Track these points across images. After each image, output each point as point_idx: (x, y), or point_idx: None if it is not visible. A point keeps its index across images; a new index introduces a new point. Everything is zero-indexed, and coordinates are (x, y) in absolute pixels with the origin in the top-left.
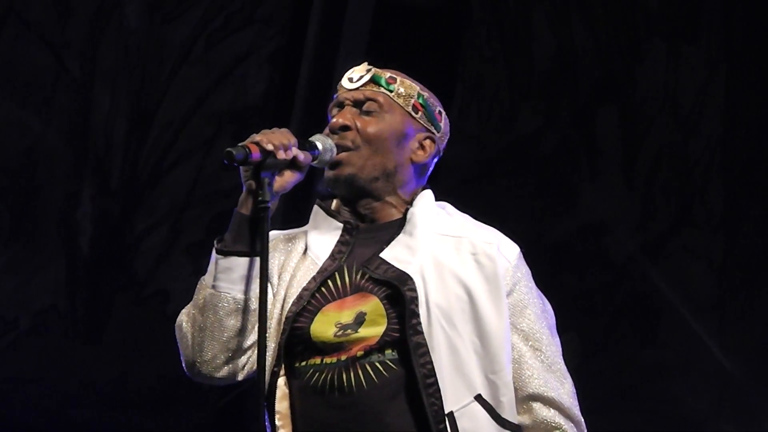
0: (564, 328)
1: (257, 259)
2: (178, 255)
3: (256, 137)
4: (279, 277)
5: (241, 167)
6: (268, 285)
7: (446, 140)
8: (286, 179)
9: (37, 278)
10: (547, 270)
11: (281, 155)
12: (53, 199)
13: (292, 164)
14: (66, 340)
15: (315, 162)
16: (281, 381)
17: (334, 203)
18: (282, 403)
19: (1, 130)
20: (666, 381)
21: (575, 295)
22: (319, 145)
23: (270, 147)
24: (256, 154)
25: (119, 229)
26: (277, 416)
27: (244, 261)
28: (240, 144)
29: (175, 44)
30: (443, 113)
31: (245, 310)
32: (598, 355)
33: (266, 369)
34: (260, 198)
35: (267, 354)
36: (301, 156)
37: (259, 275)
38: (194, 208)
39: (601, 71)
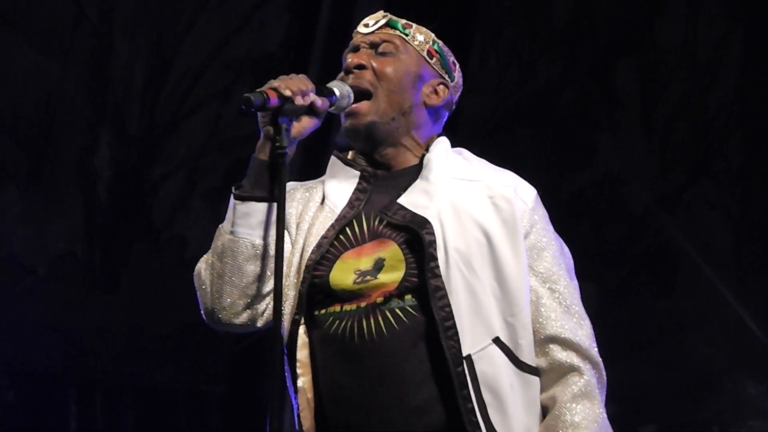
0: (581, 278)
1: (275, 205)
2: (196, 201)
3: (274, 83)
4: (297, 227)
5: (258, 113)
6: (286, 234)
7: (459, 93)
8: (304, 125)
9: (54, 225)
10: (564, 221)
11: (299, 101)
12: (71, 146)
13: (310, 110)
14: (83, 287)
15: (332, 108)
16: (302, 329)
17: (350, 154)
18: (302, 352)
19: (21, 76)
20: (683, 332)
21: (593, 246)
22: (337, 91)
23: (288, 93)
24: (274, 99)
25: (137, 176)
26: (298, 364)
27: (262, 206)
28: (258, 90)
29: None
30: (457, 65)
31: (264, 255)
32: (615, 305)
33: (287, 317)
34: (278, 143)
35: (287, 303)
36: (319, 102)
37: (276, 221)
38: (212, 154)
39: (621, 23)
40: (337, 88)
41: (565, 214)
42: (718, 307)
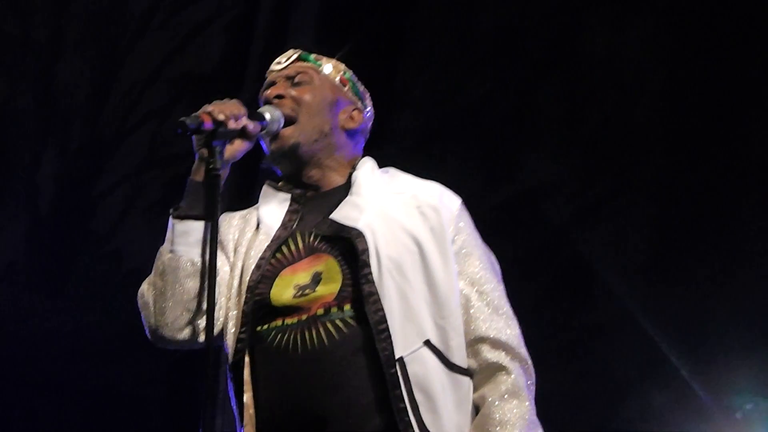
0: None
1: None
2: (136, 215)
3: (209, 107)
4: (235, 251)
5: (193, 136)
6: (225, 258)
7: (371, 121)
8: (236, 148)
9: (0, 235)
10: (487, 232)
11: (232, 125)
12: (16, 160)
13: (242, 133)
14: (28, 294)
15: (263, 132)
16: (246, 347)
17: (280, 183)
18: (246, 369)
19: None
20: (597, 342)
21: (514, 258)
22: (268, 116)
23: (221, 117)
24: (208, 123)
25: (80, 190)
26: (244, 384)
27: (199, 225)
28: (193, 114)
29: (136, 13)
30: (367, 93)
31: (203, 272)
32: (533, 316)
33: (230, 336)
34: (212, 165)
35: (230, 322)
36: (251, 125)
37: (210, 238)
38: (151, 170)
39: (545, 41)
40: (268, 112)
41: (488, 227)
42: (629, 320)
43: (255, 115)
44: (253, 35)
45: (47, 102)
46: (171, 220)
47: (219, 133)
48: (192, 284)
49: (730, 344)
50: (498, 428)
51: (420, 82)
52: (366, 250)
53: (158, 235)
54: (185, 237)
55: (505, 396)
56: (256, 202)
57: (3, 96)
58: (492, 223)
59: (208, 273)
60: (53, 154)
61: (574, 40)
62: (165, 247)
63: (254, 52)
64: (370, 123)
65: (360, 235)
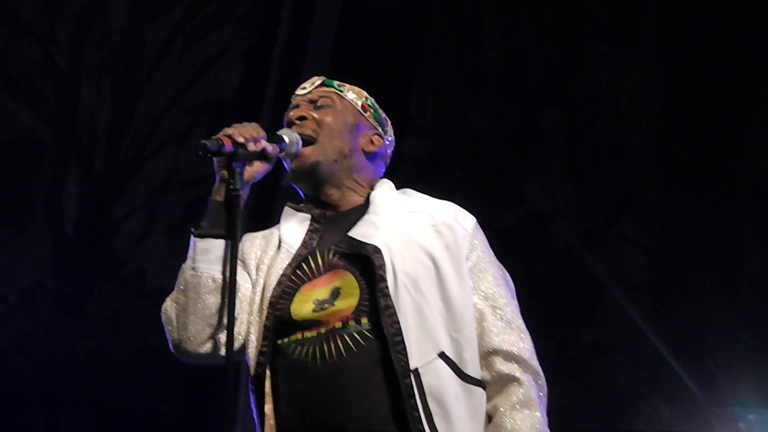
0: None
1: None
2: (156, 237)
3: (228, 130)
4: (257, 270)
5: (214, 158)
6: (247, 275)
7: (392, 147)
8: (256, 169)
9: (24, 257)
10: (495, 255)
11: (251, 147)
12: (40, 184)
13: (261, 155)
14: (51, 314)
15: (282, 153)
16: (267, 360)
17: (301, 204)
18: (267, 381)
19: None
20: (603, 359)
21: (521, 279)
22: (286, 138)
23: (241, 139)
24: (228, 146)
25: (101, 212)
26: (265, 396)
27: (220, 243)
28: (213, 137)
29: (156, 43)
30: (389, 121)
31: (224, 288)
32: (541, 333)
33: (253, 350)
34: (232, 186)
35: (252, 335)
36: (270, 148)
37: (230, 255)
38: (171, 193)
39: (548, 72)
40: (287, 135)
41: (495, 249)
42: (634, 335)
43: (274, 138)
44: (270, 63)
45: (70, 128)
46: (192, 239)
47: (239, 155)
48: (213, 300)
49: (732, 358)
50: (512, 426)
51: (428, 110)
52: (382, 266)
53: (178, 256)
54: (206, 254)
55: (517, 406)
56: (272, 221)
57: (28, 121)
58: (498, 246)
59: (229, 289)
60: (76, 178)
61: (575, 72)
62: (187, 265)
63: (271, 79)
64: (391, 149)
65: (377, 251)
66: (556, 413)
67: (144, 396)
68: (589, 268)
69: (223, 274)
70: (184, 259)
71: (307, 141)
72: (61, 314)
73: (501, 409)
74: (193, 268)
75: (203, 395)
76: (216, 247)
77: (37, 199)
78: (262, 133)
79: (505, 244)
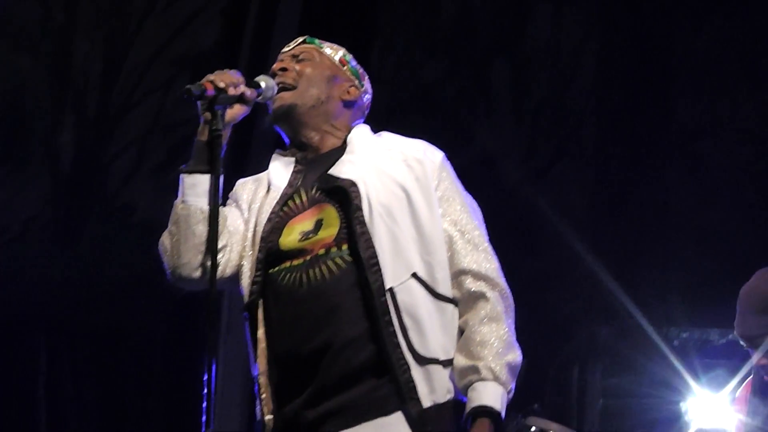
0: None
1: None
2: (143, 175)
3: (211, 76)
4: (249, 209)
5: (198, 102)
6: (240, 214)
7: (368, 97)
8: (236, 112)
9: (25, 192)
10: None
11: (231, 91)
12: (40, 127)
13: (240, 99)
14: (49, 244)
15: (260, 98)
16: (259, 289)
17: (286, 150)
18: (260, 309)
19: None
20: (546, 285)
21: None
22: (263, 84)
23: (222, 84)
24: (210, 90)
25: (94, 153)
26: (258, 322)
27: (205, 177)
28: (197, 83)
29: (142, 1)
30: (366, 77)
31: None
32: None
33: (246, 281)
34: (214, 127)
35: (245, 268)
36: (248, 92)
37: (212, 188)
38: (156, 136)
39: (496, 29)
40: (264, 81)
41: None
42: (574, 263)
43: (252, 83)
44: (245, 19)
45: (65, 77)
46: (181, 176)
47: (220, 98)
48: (202, 229)
49: (664, 282)
50: (478, 348)
51: (389, 63)
52: (358, 197)
53: (163, 192)
54: (194, 189)
55: (485, 320)
56: (249, 163)
57: (27, 72)
58: None
59: (210, 219)
60: (71, 122)
61: (520, 29)
62: (177, 200)
63: (246, 33)
64: (368, 100)
65: (353, 185)
66: None
67: (133, 318)
68: (533, 203)
69: (209, 205)
70: (175, 196)
71: (287, 88)
72: (58, 244)
73: (470, 323)
74: (183, 202)
75: (186, 317)
76: (202, 181)
77: (36, 141)
78: (241, 79)
79: None
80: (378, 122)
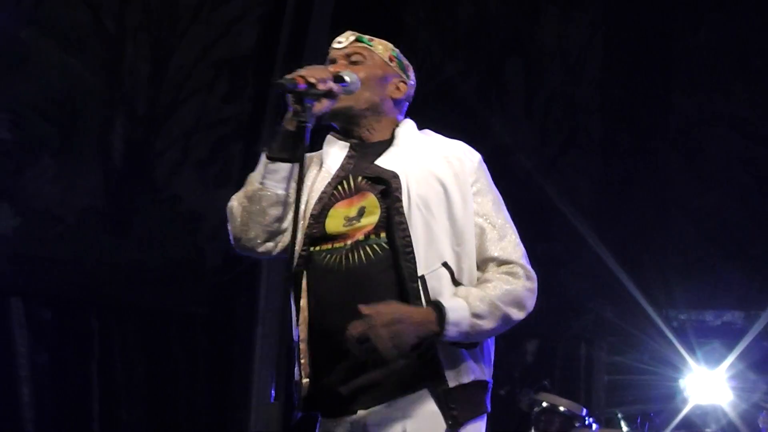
0: None
1: (296, 165)
2: (188, 168)
3: (302, 71)
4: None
5: (288, 94)
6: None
7: (414, 88)
8: (322, 105)
9: (79, 185)
10: None
11: (321, 86)
12: (93, 124)
13: (328, 93)
14: (101, 232)
15: (344, 92)
16: (304, 262)
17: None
18: (304, 280)
19: (52, 72)
20: (556, 269)
21: None
22: (347, 78)
23: (312, 80)
24: (302, 85)
25: (143, 148)
26: (301, 292)
27: (286, 166)
28: (288, 76)
29: (187, 8)
30: (411, 67)
31: (284, 203)
32: None
33: (295, 252)
34: (302, 119)
35: (296, 241)
36: (335, 87)
37: (298, 177)
38: (200, 133)
39: (509, 30)
40: (348, 76)
41: None
42: (582, 248)
43: (337, 78)
44: (281, 25)
45: (117, 78)
46: (263, 159)
47: (310, 93)
48: (274, 212)
49: (665, 267)
50: (481, 283)
51: (411, 62)
52: (399, 189)
53: (206, 184)
54: (274, 174)
55: (502, 274)
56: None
57: (81, 73)
58: None
59: (295, 206)
60: (122, 120)
61: (532, 30)
62: (255, 177)
63: (282, 39)
64: (413, 90)
65: (396, 176)
66: None
67: (177, 300)
68: (544, 192)
69: (285, 191)
70: (211, 182)
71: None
72: (110, 232)
73: (487, 274)
74: (262, 184)
75: (226, 299)
76: (283, 168)
77: (90, 137)
78: (329, 75)
79: None
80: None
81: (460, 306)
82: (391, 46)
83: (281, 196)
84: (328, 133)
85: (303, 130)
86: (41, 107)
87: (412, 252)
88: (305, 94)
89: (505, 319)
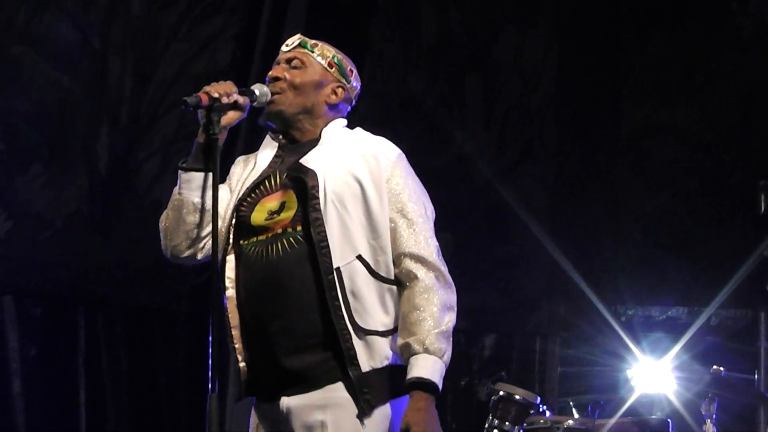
0: (442, 230)
1: (210, 174)
2: (168, 176)
3: (207, 88)
4: (236, 183)
5: (198, 110)
6: (229, 190)
7: (357, 93)
8: (231, 117)
9: (67, 191)
10: (428, 189)
11: (224, 100)
12: (79, 135)
13: (234, 106)
14: (88, 235)
15: (254, 103)
16: (231, 256)
17: (275, 136)
18: (231, 272)
19: (42, 86)
20: (512, 268)
21: (450, 207)
22: (257, 91)
23: (216, 94)
24: (205, 100)
25: (126, 157)
26: (227, 280)
27: (199, 175)
28: (194, 94)
29: (167, 26)
30: (354, 72)
31: (201, 210)
32: (465, 249)
33: (221, 246)
34: (210, 131)
35: (223, 234)
36: (240, 99)
37: (212, 184)
38: (179, 142)
39: (469, 47)
40: (257, 89)
41: (429, 185)
42: (537, 249)
43: (246, 92)
44: (255, 43)
45: (102, 91)
46: (179, 172)
47: (215, 106)
48: (192, 218)
49: (614, 266)
50: (411, 325)
51: (377, 77)
52: (315, 186)
53: None
54: (189, 184)
55: (417, 293)
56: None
57: (69, 87)
58: (431, 182)
59: (212, 211)
60: (107, 130)
61: (490, 47)
62: (175, 190)
63: (255, 55)
64: (355, 93)
65: (314, 174)
66: (476, 313)
67: (159, 298)
68: (502, 197)
69: (201, 198)
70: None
71: (278, 94)
72: (96, 235)
73: (406, 299)
74: (179, 194)
75: (207, 296)
76: (197, 178)
77: (77, 147)
78: (234, 89)
79: (436, 180)
80: (366, 128)
81: (433, 366)
82: (333, 51)
83: (197, 204)
84: (266, 134)
85: (213, 141)
86: (32, 119)
87: (327, 246)
88: (211, 108)
89: (452, 329)
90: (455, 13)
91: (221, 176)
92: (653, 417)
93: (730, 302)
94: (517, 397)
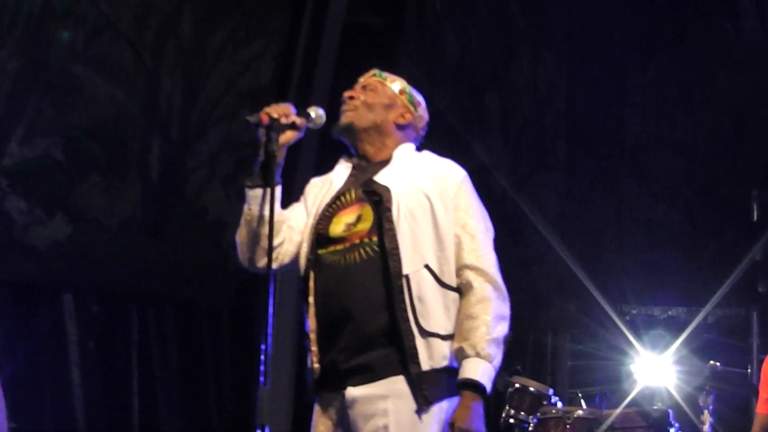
0: None
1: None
2: (215, 184)
3: (267, 109)
4: (314, 202)
5: (258, 129)
6: (304, 208)
7: (424, 125)
8: (288, 136)
9: (122, 197)
10: None
11: (283, 120)
12: (133, 147)
13: (292, 126)
14: (141, 238)
15: (310, 124)
16: (312, 269)
17: (348, 157)
18: (311, 281)
19: (100, 101)
20: (527, 269)
21: None
22: (312, 114)
23: (275, 115)
24: (265, 120)
25: (177, 166)
26: (309, 290)
27: (261, 191)
28: (255, 113)
29: (214, 47)
30: (422, 105)
31: (271, 222)
32: None
33: (303, 258)
34: (269, 149)
35: (304, 249)
36: (298, 120)
37: (270, 198)
38: (225, 153)
39: (488, 68)
40: (313, 111)
41: None
42: (549, 252)
43: (302, 113)
44: (293, 63)
45: (155, 107)
46: (245, 189)
47: (274, 126)
48: (264, 231)
49: (620, 268)
50: (466, 331)
51: None
52: (389, 200)
53: (230, 197)
54: (255, 200)
55: (474, 303)
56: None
57: (124, 102)
58: None
59: (269, 223)
60: (159, 142)
61: (507, 68)
62: (245, 207)
63: (294, 74)
64: (422, 124)
65: (388, 190)
66: None
67: (206, 294)
68: (517, 205)
69: (271, 211)
70: (232, 195)
71: (351, 111)
72: (148, 237)
73: (464, 307)
74: (249, 209)
75: (249, 293)
76: (261, 193)
77: (131, 157)
78: (292, 110)
79: None
80: None
81: (483, 369)
82: (405, 83)
83: (266, 217)
84: (341, 155)
85: (271, 159)
86: (91, 132)
87: (398, 254)
88: (270, 127)
89: (503, 338)
90: (475, 36)
91: (294, 191)
92: (655, 408)
93: (725, 302)
94: (532, 389)
